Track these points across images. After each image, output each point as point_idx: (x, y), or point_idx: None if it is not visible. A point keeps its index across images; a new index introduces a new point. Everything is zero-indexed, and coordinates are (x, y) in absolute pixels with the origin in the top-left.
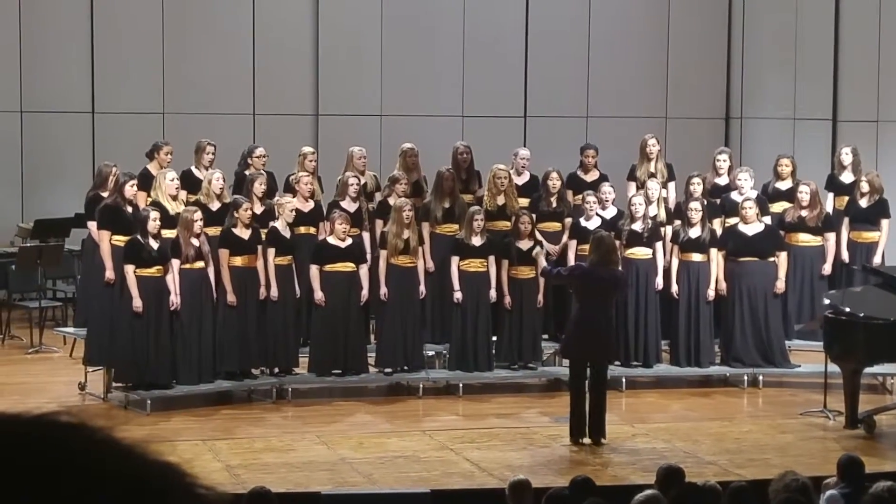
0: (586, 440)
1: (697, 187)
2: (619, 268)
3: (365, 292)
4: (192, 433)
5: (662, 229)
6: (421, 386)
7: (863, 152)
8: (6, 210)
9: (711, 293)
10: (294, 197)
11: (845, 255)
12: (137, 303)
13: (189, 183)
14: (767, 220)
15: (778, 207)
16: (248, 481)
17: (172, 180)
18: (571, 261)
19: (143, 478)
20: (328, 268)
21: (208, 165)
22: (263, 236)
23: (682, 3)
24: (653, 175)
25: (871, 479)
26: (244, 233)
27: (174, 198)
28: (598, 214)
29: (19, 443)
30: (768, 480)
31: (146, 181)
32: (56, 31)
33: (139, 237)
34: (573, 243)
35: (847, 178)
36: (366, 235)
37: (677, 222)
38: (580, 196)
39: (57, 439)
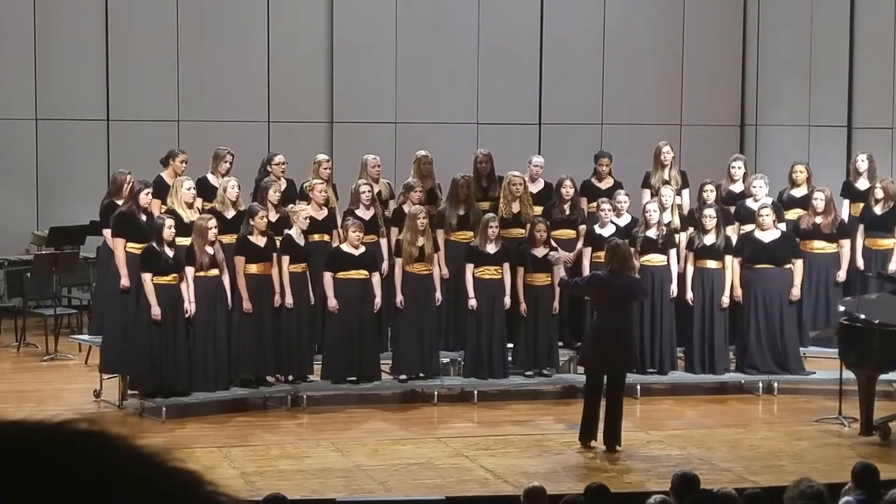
0: (595, 444)
1: (711, 194)
2: (637, 275)
3: (378, 300)
4: (207, 440)
5: (677, 236)
6: (436, 393)
7: (878, 159)
8: (21, 217)
9: (726, 300)
10: (308, 204)
11: (860, 262)
12: (156, 311)
13: (204, 190)
14: (783, 226)
15: (792, 215)
16: (263, 488)
17: (189, 189)
18: (586, 268)
19: (164, 486)
20: (342, 275)
21: (225, 173)
22: (278, 244)
23: (696, 11)
24: (667, 182)
25: (886, 487)
26: (260, 240)
27: (190, 206)
28: (612, 222)
29: (40, 451)
30: (783, 487)
31: (161, 189)
32: (71, 39)
33: (154, 245)
34: (588, 251)
35: (863, 184)
36: (383, 242)
37: (692, 229)
38: (595, 203)
39: (78, 447)
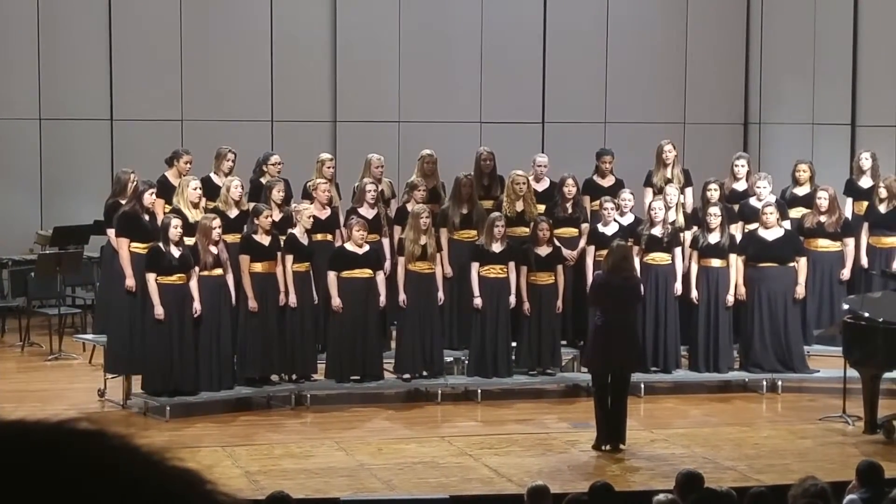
0: (607, 447)
1: (714, 193)
2: (634, 275)
3: (382, 298)
4: (211, 440)
5: (681, 235)
6: (439, 392)
7: (881, 157)
8: (25, 217)
9: (730, 299)
10: (312, 204)
11: (864, 261)
12: (159, 310)
13: (208, 190)
14: (787, 224)
15: (796, 213)
16: (267, 487)
17: (195, 188)
18: (589, 266)
19: (163, 485)
20: (345, 274)
21: (228, 172)
22: (282, 243)
23: (699, 9)
24: (669, 181)
25: (890, 485)
26: (264, 239)
27: (195, 205)
28: (615, 220)
29: (39, 450)
30: (788, 486)
31: (165, 189)
32: (74, 39)
33: (161, 245)
34: (591, 249)
35: (866, 182)
36: (385, 242)
37: (696, 228)
38: (597, 202)
39: (77, 446)
